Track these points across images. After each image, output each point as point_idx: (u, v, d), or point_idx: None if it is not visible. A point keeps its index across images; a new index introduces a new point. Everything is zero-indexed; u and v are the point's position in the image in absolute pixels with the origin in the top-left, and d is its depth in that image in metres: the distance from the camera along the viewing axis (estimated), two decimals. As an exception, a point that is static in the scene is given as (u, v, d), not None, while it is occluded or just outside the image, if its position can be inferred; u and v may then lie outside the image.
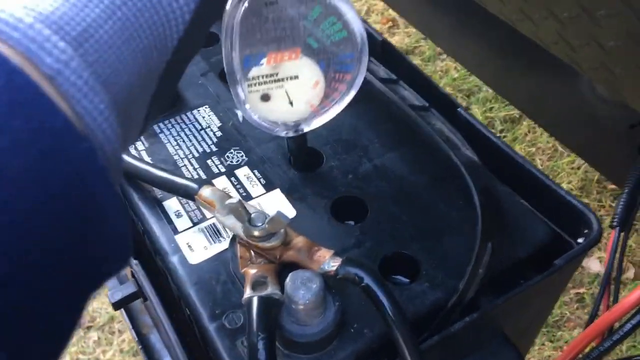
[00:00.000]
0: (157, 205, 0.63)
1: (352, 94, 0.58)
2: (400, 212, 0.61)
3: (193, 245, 0.59)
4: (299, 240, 0.54)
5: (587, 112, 0.95)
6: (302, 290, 0.48)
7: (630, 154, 0.88)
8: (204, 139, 0.69)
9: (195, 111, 0.72)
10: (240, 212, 0.54)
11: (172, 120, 0.71)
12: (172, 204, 0.63)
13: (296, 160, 0.65)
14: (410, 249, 0.58)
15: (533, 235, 0.59)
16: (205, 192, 0.57)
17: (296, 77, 0.57)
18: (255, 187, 0.64)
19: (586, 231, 0.58)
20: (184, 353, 0.61)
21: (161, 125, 0.71)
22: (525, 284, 0.53)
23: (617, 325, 0.59)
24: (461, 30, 1.12)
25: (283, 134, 0.61)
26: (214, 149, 0.68)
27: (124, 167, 0.62)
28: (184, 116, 0.72)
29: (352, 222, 0.61)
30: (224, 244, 0.59)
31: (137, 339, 0.81)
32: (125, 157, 0.62)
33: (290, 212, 0.61)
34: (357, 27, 0.54)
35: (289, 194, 0.63)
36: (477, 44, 1.10)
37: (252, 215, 0.54)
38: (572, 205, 0.58)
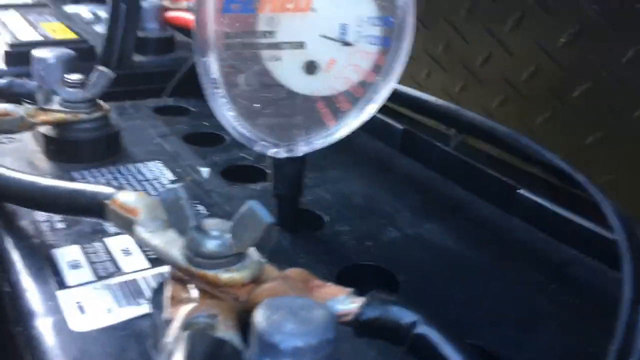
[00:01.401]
0: (35, 252, 0.37)
1: (385, 92, 0.37)
2: (453, 290, 0.36)
3: (87, 306, 0.33)
4: (289, 271, 0.28)
5: None
6: (291, 324, 0.22)
7: None
8: (148, 191, 0.46)
9: (141, 164, 0.50)
10: (182, 212, 0.29)
11: (105, 169, 0.48)
12: (67, 252, 0.37)
13: (285, 213, 0.41)
14: (480, 338, 0.32)
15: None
16: (125, 196, 0.32)
17: (301, 44, 0.36)
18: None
19: None
20: None
21: (92, 171, 0.48)
22: None
23: None
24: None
25: (270, 152, 0.38)
26: (159, 201, 0.44)
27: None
28: (122, 167, 0.49)
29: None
30: (143, 308, 0.33)
31: None
32: None
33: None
34: None
35: (273, 257, 0.38)
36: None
37: (205, 223, 0.29)
38: None
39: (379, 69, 0.37)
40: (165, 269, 0.37)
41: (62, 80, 0.49)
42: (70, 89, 0.48)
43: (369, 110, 0.38)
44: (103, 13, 0.93)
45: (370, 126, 0.62)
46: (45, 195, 0.36)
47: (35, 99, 0.48)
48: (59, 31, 0.80)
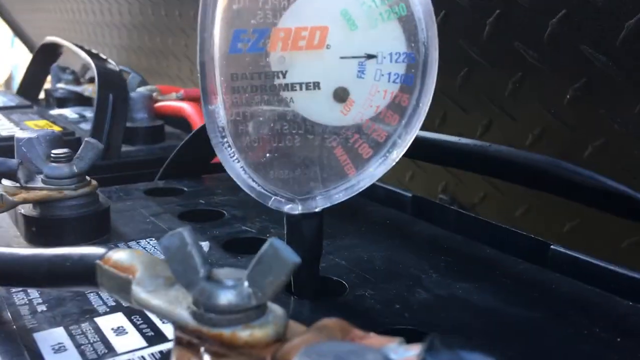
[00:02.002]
0: (12, 338, 0.31)
1: (409, 135, 0.33)
2: (509, 349, 0.31)
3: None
4: (323, 322, 0.23)
5: None
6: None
7: None
8: (139, 268, 0.40)
9: (133, 242, 0.45)
10: (188, 261, 0.24)
11: (93, 250, 0.44)
12: (50, 335, 0.32)
13: (303, 278, 0.36)
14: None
15: None
16: (118, 254, 0.28)
17: (317, 85, 0.33)
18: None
19: None
20: None
21: (72, 253, 0.43)
22: None
23: None
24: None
25: (285, 208, 0.34)
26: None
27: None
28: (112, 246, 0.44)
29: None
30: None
31: None
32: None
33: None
34: (424, 4, 0.33)
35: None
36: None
37: (217, 272, 0.25)
38: None
39: (402, 110, 0.33)
40: (167, 346, 0.31)
41: (46, 157, 0.45)
42: (55, 164, 0.44)
43: (393, 157, 0.34)
44: (89, 114, 0.91)
45: (376, 195, 0.59)
46: (23, 266, 0.31)
47: (16, 177, 0.44)
48: (44, 127, 0.77)
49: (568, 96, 0.58)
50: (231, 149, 0.33)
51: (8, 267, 0.31)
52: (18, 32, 2.42)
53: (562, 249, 0.43)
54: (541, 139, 0.65)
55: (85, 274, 0.28)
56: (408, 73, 0.33)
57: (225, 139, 0.33)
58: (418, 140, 0.34)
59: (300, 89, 0.33)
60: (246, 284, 0.24)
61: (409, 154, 0.34)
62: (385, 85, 0.33)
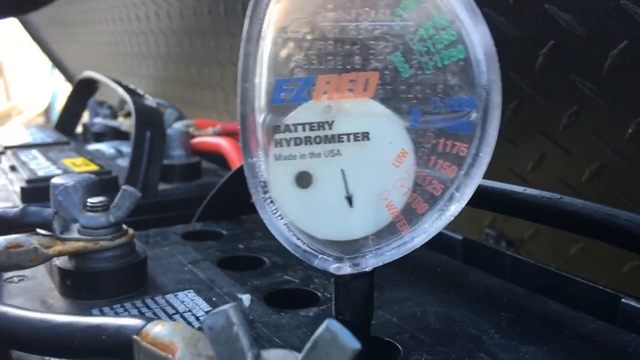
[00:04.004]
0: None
1: (469, 189, 0.30)
2: None
3: None
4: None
5: None
6: None
7: None
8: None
9: (171, 294, 0.43)
10: (235, 343, 0.22)
11: (129, 304, 0.41)
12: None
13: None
14: None
15: None
16: (157, 328, 0.25)
17: (366, 135, 0.31)
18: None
19: None
20: None
21: (115, 307, 0.41)
22: None
23: None
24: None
25: (332, 267, 0.31)
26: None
27: None
28: (149, 300, 0.42)
29: None
30: None
31: None
32: None
33: None
34: (485, 45, 0.30)
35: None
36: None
37: (267, 355, 0.22)
38: None
39: (460, 160, 0.30)
40: None
41: (82, 205, 0.43)
42: (91, 214, 0.43)
43: (452, 212, 0.31)
44: (126, 148, 0.91)
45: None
46: (58, 335, 0.28)
47: (52, 228, 0.42)
48: (81, 165, 0.76)
49: (630, 130, 0.54)
50: (274, 205, 0.31)
51: (42, 335, 0.29)
52: (56, 62, 2.47)
53: (634, 303, 0.39)
54: (599, 175, 0.61)
55: (122, 348, 0.26)
56: (467, 120, 0.30)
57: (267, 195, 0.31)
58: (479, 190, 0.31)
59: (348, 140, 0.30)
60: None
61: (471, 203, 0.31)
62: (443, 135, 0.30)
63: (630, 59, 0.50)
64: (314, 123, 0.30)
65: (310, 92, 0.30)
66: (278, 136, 0.30)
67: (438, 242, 0.53)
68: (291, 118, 0.30)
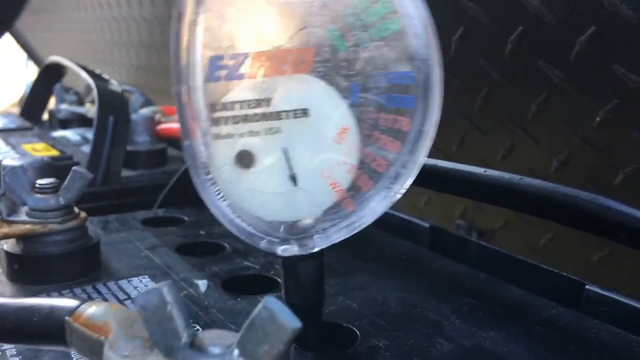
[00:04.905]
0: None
1: (414, 165, 0.29)
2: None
3: None
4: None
5: None
6: None
7: None
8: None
9: (123, 280, 0.41)
10: (168, 323, 0.20)
11: (79, 289, 0.40)
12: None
13: (303, 327, 0.32)
14: None
15: None
16: (91, 309, 0.24)
17: (304, 112, 0.29)
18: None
19: None
20: None
21: (64, 293, 0.39)
22: None
23: None
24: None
25: (278, 250, 0.30)
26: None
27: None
28: (101, 285, 0.40)
29: None
30: None
31: None
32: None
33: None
34: (419, 16, 0.29)
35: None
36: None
37: (201, 337, 0.21)
38: None
39: (403, 135, 0.29)
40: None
41: (31, 187, 0.42)
42: (40, 196, 0.41)
43: (397, 189, 0.30)
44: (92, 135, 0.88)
45: (389, 224, 0.55)
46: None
47: (-2, 210, 0.40)
48: (42, 150, 0.74)
49: (598, 118, 0.54)
50: (215, 187, 0.30)
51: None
52: (30, 52, 2.42)
53: (598, 289, 0.39)
54: (567, 164, 0.61)
55: (55, 331, 0.24)
56: (408, 94, 0.29)
57: (209, 176, 0.29)
58: (435, 170, 0.30)
59: (287, 117, 0.29)
60: (236, 352, 0.20)
61: (425, 184, 0.30)
62: (384, 109, 0.29)
63: (598, 45, 0.49)
64: (251, 100, 0.29)
65: (246, 69, 0.29)
66: (216, 114, 0.29)
67: (404, 229, 0.52)
68: (228, 96, 0.29)
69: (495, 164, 0.69)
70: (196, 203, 0.59)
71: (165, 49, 1.31)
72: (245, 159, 0.29)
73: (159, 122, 0.80)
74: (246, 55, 0.28)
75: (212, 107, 0.29)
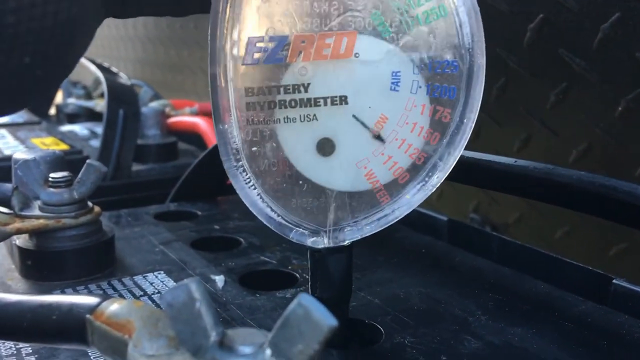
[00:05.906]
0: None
1: (452, 157, 0.28)
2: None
3: None
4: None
5: None
6: None
7: None
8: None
9: (139, 276, 0.40)
10: (197, 321, 0.19)
11: (94, 285, 0.39)
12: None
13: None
14: None
15: None
16: (114, 307, 0.23)
17: (344, 99, 0.28)
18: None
19: None
20: None
21: (79, 289, 0.38)
22: None
23: None
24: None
25: (308, 242, 0.29)
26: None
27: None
28: (116, 281, 0.39)
29: None
30: None
31: None
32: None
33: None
34: (468, 6, 0.28)
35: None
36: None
37: (231, 335, 0.20)
38: None
39: (443, 127, 0.28)
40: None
41: (44, 181, 0.41)
42: (53, 190, 0.40)
43: (433, 182, 0.29)
44: (100, 129, 0.87)
45: (407, 219, 0.54)
46: (5, 315, 0.26)
47: (11, 204, 0.40)
48: (50, 144, 0.73)
49: (620, 108, 0.52)
50: (246, 174, 0.29)
51: (-12, 316, 0.26)
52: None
53: (626, 284, 0.38)
54: (586, 156, 0.60)
55: (75, 330, 0.23)
56: (450, 84, 0.28)
57: (240, 163, 0.29)
58: (464, 161, 0.29)
59: (325, 104, 0.28)
60: (268, 352, 0.19)
61: (451, 177, 0.29)
62: (423, 99, 0.28)
63: (622, 32, 0.48)
64: (288, 85, 0.28)
65: (285, 52, 0.28)
66: (250, 99, 0.28)
67: (423, 223, 0.51)
68: (264, 80, 0.28)
69: (511, 156, 0.68)
70: (210, 197, 0.59)
71: (172, 43, 1.30)
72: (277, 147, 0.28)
73: (169, 116, 0.79)
74: (286, 38, 0.27)
75: (248, 90, 0.28)
